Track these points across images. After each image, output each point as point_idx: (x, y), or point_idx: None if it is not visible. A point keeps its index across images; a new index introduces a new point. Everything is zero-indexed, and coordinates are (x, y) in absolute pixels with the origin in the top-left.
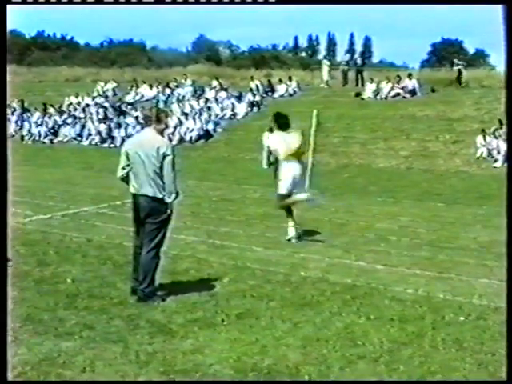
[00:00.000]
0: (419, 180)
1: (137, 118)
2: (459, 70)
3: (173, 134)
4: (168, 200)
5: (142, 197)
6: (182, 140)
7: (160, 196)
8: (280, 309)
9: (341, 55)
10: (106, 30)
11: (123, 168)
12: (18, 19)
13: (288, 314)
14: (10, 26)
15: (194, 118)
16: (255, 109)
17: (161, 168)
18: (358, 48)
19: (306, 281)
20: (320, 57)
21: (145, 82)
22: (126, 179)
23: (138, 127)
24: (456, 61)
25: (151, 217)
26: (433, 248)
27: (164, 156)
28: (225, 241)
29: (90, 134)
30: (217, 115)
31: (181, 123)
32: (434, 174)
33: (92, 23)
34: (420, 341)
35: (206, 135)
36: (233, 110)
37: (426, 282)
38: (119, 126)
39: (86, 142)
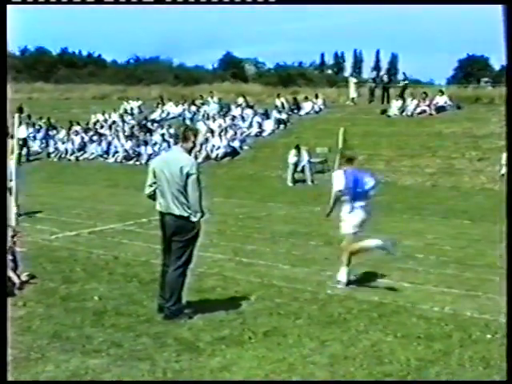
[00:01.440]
0: (445, 197)
1: (163, 135)
2: None
3: (199, 151)
4: (194, 219)
5: (168, 215)
6: (208, 157)
7: (185, 214)
8: (307, 327)
9: (367, 72)
10: (133, 48)
11: (150, 185)
12: (45, 36)
13: (315, 331)
14: (36, 43)
15: (220, 136)
16: (281, 126)
17: (185, 187)
18: (384, 65)
19: (333, 299)
20: (346, 74)
21: (171, 100)
22: (153, 196)
23: (164, 145)
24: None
25: (178, 235)
26: (459, 266)
27: (188, 175)
28: (251, 258)
29: (116, 152)
30: (243, 133)
31: (207, 141)
32: (460, 191)
33: (119, 40)
34: (447, 359)
35: (232, 152)
36: (259, 128)
37: (453, 299)
38: (145, 143)
39: (112, 160)
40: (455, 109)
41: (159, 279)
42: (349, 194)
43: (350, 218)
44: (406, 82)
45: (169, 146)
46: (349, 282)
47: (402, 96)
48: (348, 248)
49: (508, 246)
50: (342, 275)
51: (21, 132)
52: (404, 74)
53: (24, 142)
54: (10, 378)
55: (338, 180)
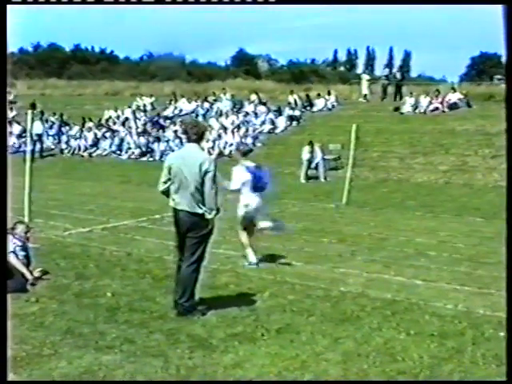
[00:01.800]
0: (458, 195)
1: (175, 132)
2: None
3: (212, 148)
4: (208, 216)
5: (182, 212)
6: (220, 154)
7: (200, 211)
8: (320, 324)
9: (380, 69)
10: (146, 44)
11: (165, 182)
12: (57, 33)
13: (328, 329)
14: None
15: (232, 132)
16: (294, 123)
17: (202, 184)
18: (397, 62)
19: (346, 296)
20: (359, 71)
21: (183, 96)
22: (166, 193)
23: (177, 141)
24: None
25: (192, 231)
26: (472, 263)
27: (206, 172)
28: (264, 255)
29: (129, 148)
30: (255, 129)
31: (220, 137)
32: (473, 188)
33: (131, 37)
34: (460, 356)
35: None
36: (272, 125)
37: (466, 297)
38: (158, 139)
39: (124, 156)
40: (466, 106)
41: (175, 275)
42: (249, 187)
43: (248, 203)
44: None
45: (181, 143)
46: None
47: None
48: (242, 233)
49: (508, 243)
50: (252, 256)
51: (36, 128)
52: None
53: (39, 138)
54: (10, 377)
55: (237, 178)
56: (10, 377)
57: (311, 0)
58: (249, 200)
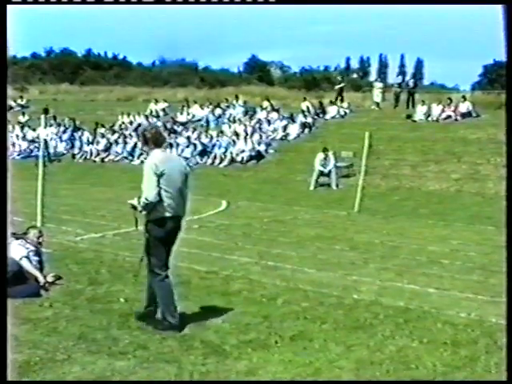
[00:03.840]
0: (469, 203)
1: (188, 138)
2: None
3: (224, 154)
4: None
5: (174, 219)
6: (233, 160)
7: (183, 215)
8: (333, 331)
9: (392, 77)
10: (159, 50)
11: (158, 191)
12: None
13: (341, 336)
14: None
15: (245, 139)
16: (306, 130)
17: (185, 187)
18: (409, 70)
19: (359, 303)
20: (371, 78)
21: (196, 102)
22: (153, 203)
23: (190, 147)
24: None
25: (175, 237)
26: (485, 272)
27: (187, 175)
28: (277, 262)
29: (141, 154)
30: (268, 136)
31: (234, 143)
32: (485, 197)
33: (144, 42)
34: (473, 365)
35: (258, 156)
36: (284, 131)
37: (479, 305)
38: (170, 145)
39: (137, 161)
40: (479, 115)
41: (167, 291)
42: None
43: None
44: (342, 84)
45: (195, 149)
46: None
47: (337, 99)
48: None
49: (508, 251)
50: None
51: (44, 133)
52: (342, 77)
53: (45, 143)
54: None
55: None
56: (10, 377)
57: (311, 0)
58: None
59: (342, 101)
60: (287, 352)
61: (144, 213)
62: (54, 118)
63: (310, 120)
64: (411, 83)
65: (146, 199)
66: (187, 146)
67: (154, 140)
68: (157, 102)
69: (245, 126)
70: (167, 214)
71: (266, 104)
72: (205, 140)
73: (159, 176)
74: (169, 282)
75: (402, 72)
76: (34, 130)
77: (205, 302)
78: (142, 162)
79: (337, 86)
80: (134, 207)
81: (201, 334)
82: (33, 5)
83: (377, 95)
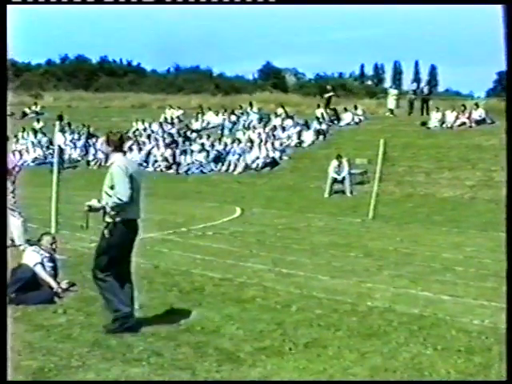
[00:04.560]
0: (484, 210)
1: (202, 144)
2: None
3: (238, 160)
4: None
5: (135, 221)
6: (247, 167)
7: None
8: (347, 338)
9: (406, 83)
10: (173, 57)
11: (130, 190)
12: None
13: (355, 343)
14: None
15: (259, 146)
16: (321, 137)
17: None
18: (424, 76)
19: (373, 311)
20: (386, 85)
21: (210, 109)
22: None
23: (204, 154)
24: None
25: (134, 242)
26: (499, 278)
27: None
28: (291, 269)
29: (155, 161)
30: (282, 143)
31: (250, 149)
32: (499, 204)
33: (159, 49)
34: (487, 372)
35: (272, 163)
36: (299, 138)
37: (492, 313)
38: (185, 152)
39: (151, 168)
40: (491, 122)
41: (115, 288)
42: None
43: None
44: (331, 93)
45: (208, 156)
46: None
47: (326, 107)
48: None
49: (508, 256)
50: None
51: (57, 139)
52: (332, 86)
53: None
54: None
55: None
56: (10, 377)
57: (311, 0)
58: None
59: (330, 109)
60: (301, 359)
61: (111, 214)
62: (69, 124)
63: (324, 127)
64: (426, 90)
65: (120, 199)
66: (199, 152)
67: (117, 144)
68: (171, 107)
69: (259, 132)
70: (134, 216)
71: (280, 111)
72: (219, 147)
73: (130, 178)
74: (111, 281)
75: (416, 79)
76: (48, 136)
77: (219, 309)
78: (156, 168)
79: (326, 95)
80: (92, 209)
81: (215, 341)
82: (33, 5)
83: (391, 102)
